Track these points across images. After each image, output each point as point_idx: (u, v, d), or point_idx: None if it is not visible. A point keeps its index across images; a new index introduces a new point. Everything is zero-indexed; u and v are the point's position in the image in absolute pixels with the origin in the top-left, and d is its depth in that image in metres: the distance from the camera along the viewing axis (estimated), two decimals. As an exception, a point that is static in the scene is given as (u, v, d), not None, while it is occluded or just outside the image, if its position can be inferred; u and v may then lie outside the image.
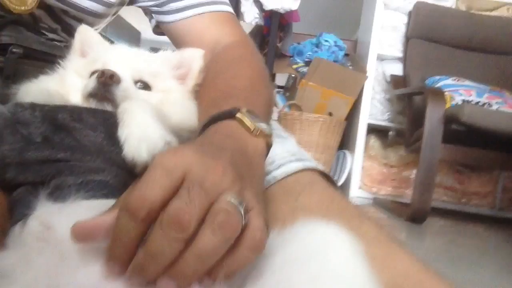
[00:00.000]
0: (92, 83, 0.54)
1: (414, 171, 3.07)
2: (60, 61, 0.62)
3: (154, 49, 0.69)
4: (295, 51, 3.11)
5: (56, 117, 0.50)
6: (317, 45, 3.04)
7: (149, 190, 0.33)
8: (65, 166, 0.46)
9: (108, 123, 0.50)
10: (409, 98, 2.62)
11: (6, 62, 0.61)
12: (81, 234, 0.37)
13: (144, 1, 0.81)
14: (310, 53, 3.01)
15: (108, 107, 0.54)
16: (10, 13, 0.66)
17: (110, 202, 0.43)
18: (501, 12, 2.99)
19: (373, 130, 3.09)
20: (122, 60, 0.59)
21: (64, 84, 0.57)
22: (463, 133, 1.94)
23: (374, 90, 3.01)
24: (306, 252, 0.37)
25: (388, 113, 3.04)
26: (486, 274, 1.79)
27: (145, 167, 0.41)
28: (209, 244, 0.32)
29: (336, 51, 2.99)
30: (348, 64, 3.10)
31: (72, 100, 0.55)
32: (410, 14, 2.89)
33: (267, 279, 0.35)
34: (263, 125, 0.50)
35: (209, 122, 0.50)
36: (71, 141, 0.48)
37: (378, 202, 2.86)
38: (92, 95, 0.54)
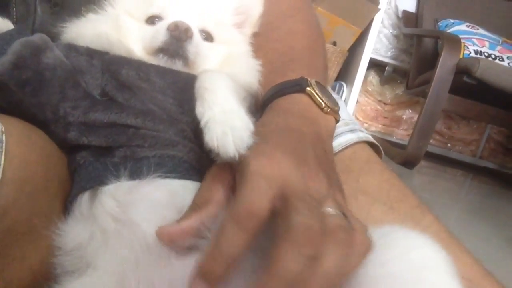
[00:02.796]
0: (162, 35, 0.47)
1: (407, 111, 3.11)
2: None
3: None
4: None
5: (120, 72, 0.44)
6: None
7: (257, 202, 0.32)
8: (136, 134, 0.42)
9: (176, 87, 0.45)
10: (419, 38, 2.54)
11: None
12: (166, 239, 0.35)
13: None
14: (323, -26, 2.82)
15: (178, 64, 0.48)
16: None
17: (188, 184, 0.41)
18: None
19: (373, 65, 3.03)
20: (185, 6, 0.52)
21: (119, 28, 0.50)
22: (470, 86, 1.92)
23: (383, 24, 2.90)
24: (403, 269, 0.36)
25: (392, 49, 2.95)
26: (452, 216, 1.89)
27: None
28: (334, 264, 0.31)
29: (350, -24, 2.81)
30: (360, -8, 2.94)
31: (134, 51, 0.48)
32: None
33: None
34: (332, 100, 0.47)
35: (276, 94, 0.47)
36: (137, 104, 0.44)
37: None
38: (162, 50, 0.48)
